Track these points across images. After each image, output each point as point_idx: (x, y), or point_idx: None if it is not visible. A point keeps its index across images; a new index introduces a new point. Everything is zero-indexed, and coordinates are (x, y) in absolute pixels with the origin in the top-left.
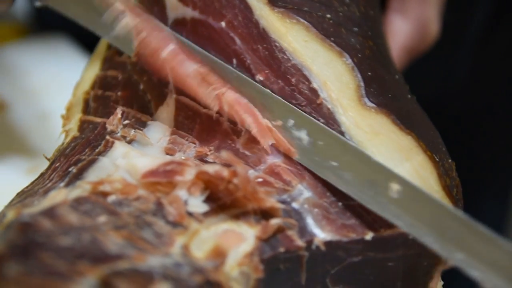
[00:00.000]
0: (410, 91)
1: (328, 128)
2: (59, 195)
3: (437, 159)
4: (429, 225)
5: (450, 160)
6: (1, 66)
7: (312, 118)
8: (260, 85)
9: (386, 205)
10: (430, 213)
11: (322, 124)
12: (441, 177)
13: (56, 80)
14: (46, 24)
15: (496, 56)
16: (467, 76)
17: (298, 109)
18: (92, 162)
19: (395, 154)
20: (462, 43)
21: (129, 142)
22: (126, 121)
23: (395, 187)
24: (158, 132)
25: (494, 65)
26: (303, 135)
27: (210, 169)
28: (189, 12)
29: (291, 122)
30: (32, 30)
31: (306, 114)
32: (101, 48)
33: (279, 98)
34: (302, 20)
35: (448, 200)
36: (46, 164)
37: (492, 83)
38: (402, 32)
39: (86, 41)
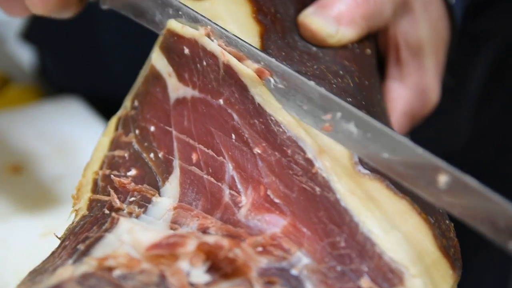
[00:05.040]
0: None
1: (374, 120)
2: (66, 271)
3: (432, 221)
4: (481, 215)
5: (448, 221)
6: (17, 129)
7: (358, 110)
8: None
9: (438, 196)
10: (479, 203)
11: (367, 116)
12: (436, 238)
13: (69, 142)
14: (59, 87)
15: (497, 114)
16: (468, 135)
17: (344, 102)
18: (98, 239)
19: (389, 218)
20: (463, 103)
21: (136, 218)
22: (132, 198)
23: (443, 178)
24: (162, 208)
25: (495, 123)
26: (352, 127)
27: (210, 239)
28: (189, 92)
29: (338, 115)
30: (45, 93)
31: (351, 106)
32: (109, 128)
33: (325, 92)
34: None
35: (445, 259)
36: (59, 228)
37: (493, 141)
38: (401, 99)
39: (98, 102)
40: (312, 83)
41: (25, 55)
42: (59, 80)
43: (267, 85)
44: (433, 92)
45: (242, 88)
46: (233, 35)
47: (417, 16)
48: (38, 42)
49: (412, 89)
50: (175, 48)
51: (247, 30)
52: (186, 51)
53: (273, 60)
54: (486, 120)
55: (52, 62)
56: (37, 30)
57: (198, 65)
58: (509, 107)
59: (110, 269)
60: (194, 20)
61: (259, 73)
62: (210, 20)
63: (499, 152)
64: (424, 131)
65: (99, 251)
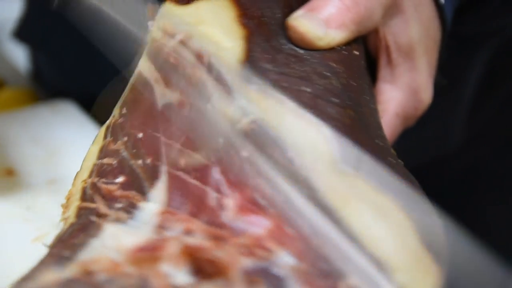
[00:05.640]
0: (407, 155)
1: None
2: (49, 277)
3: None
4: None
5: None
6: (10, 132)
7: None
8: None
9: None
10: None
11: None
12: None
13: (63, 146)
14: (54, 90)
15: (492, 116)
16: (463, 137)
17: None
18: (83, 244)
19: (371, 215)
20: (457, 105)
21: (122, 224)
22: (119, 205)
23: None
24: (149, 213)
25: (490, 125)
26: None
27: (192, 241)
28: (176, 96)
29: None
30: (39, 96)
31: None
32: (99, 137)
33: None
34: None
35: (428, 255)
36: (52, 233)
37: (488, 143)
38: (393, 100)
39: (92, 105)
40: None
41: (19, 58)
42: (53, 81)
43: None
44: (425, 93)
45: (225, 89)
46: None
47: (408, 17)
48: (29, 40)
49: (404, 90)
50: (161, 54)
51: (231, 34)
52: (171, 57)
53: None
54: (481, 122)
55: (45, 63)
56: (28, 28)
57: (184, 70)
58: (504, 109)
59: (93, 274)
60: None
61: None
62: None
63: (494, 154)
64: (419, 133)
65: (83, 256)
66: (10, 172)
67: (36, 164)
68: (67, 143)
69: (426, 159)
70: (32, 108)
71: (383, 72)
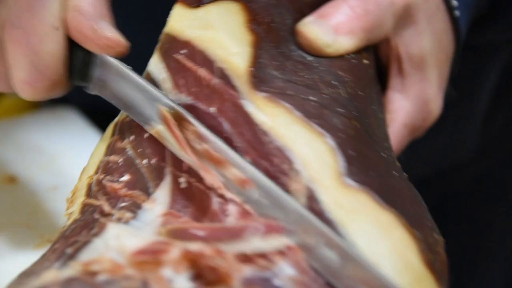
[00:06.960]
0: (419, 164)
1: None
2: (50, 275)
3: (419, 234)
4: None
5: (436, 236)
6: (12, 139)
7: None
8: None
9: None
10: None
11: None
12: (422, 252)
13: (65, 153)
14: (60, 98)
15: (505, 126)
16: (476, 147)
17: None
18: (86, 243)
19: (375, 231)
20: (470, 115)
21: (125, 224)
22: (123, 204)
23: None
24: (152, 214)
25: (503, 134)
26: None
27: (193, 247)
28: (183, 98)
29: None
30: (41, 103)
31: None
32: (107, 134)
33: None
34: (284, 104)
35: (430, 274)
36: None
37: (501, 153)
38: (402, 110)
39: (94, 113)
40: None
41: None
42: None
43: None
44: (435, 105)
45: (233, 96)
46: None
47: (420, 28)
48: None
49: (413, 100)
50: (172, 53)
51: (239, 39)
52: (181, 59)
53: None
54: (495, 131)
55: None
56: None
57: (193, 72)
58: None
59: (94, 274)
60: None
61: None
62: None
63: (507, 164)
64: (431, 143)
65: (85, 255)
66: (12, 179)
67: (38, 171)
68: (68, 149)
69: (439, 168)
70: (33, 115)
71: (394, 81)
